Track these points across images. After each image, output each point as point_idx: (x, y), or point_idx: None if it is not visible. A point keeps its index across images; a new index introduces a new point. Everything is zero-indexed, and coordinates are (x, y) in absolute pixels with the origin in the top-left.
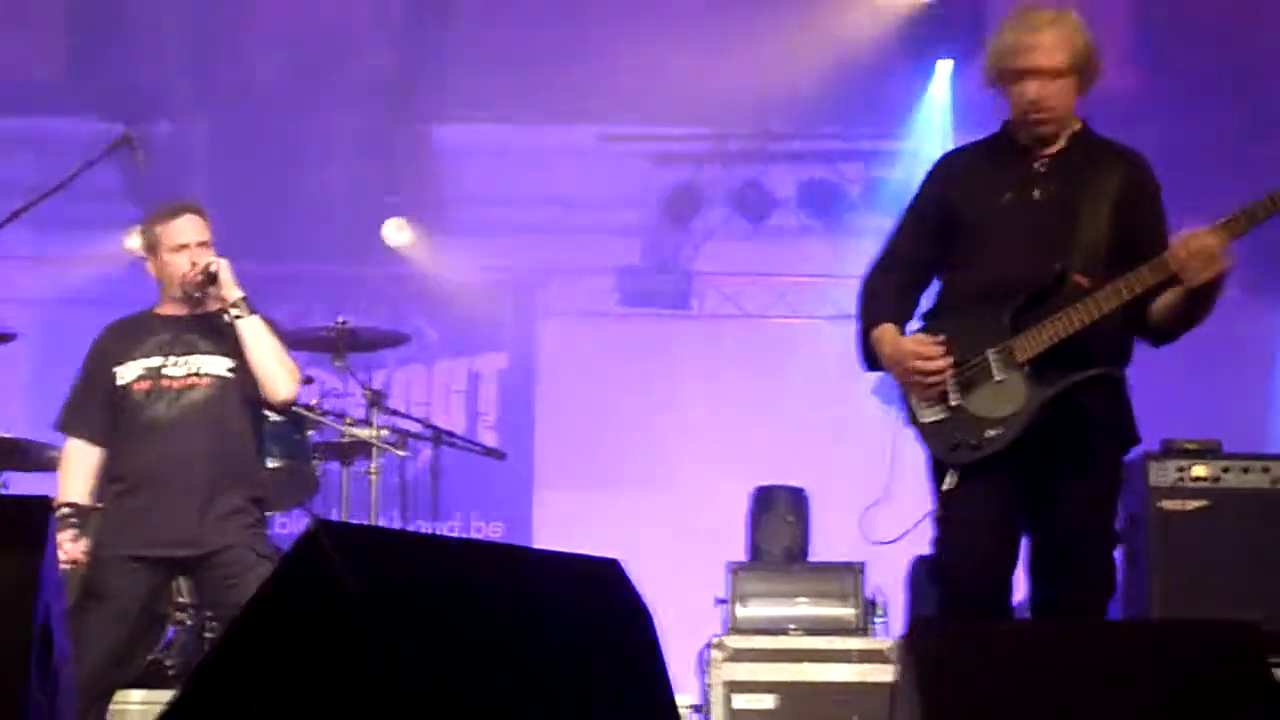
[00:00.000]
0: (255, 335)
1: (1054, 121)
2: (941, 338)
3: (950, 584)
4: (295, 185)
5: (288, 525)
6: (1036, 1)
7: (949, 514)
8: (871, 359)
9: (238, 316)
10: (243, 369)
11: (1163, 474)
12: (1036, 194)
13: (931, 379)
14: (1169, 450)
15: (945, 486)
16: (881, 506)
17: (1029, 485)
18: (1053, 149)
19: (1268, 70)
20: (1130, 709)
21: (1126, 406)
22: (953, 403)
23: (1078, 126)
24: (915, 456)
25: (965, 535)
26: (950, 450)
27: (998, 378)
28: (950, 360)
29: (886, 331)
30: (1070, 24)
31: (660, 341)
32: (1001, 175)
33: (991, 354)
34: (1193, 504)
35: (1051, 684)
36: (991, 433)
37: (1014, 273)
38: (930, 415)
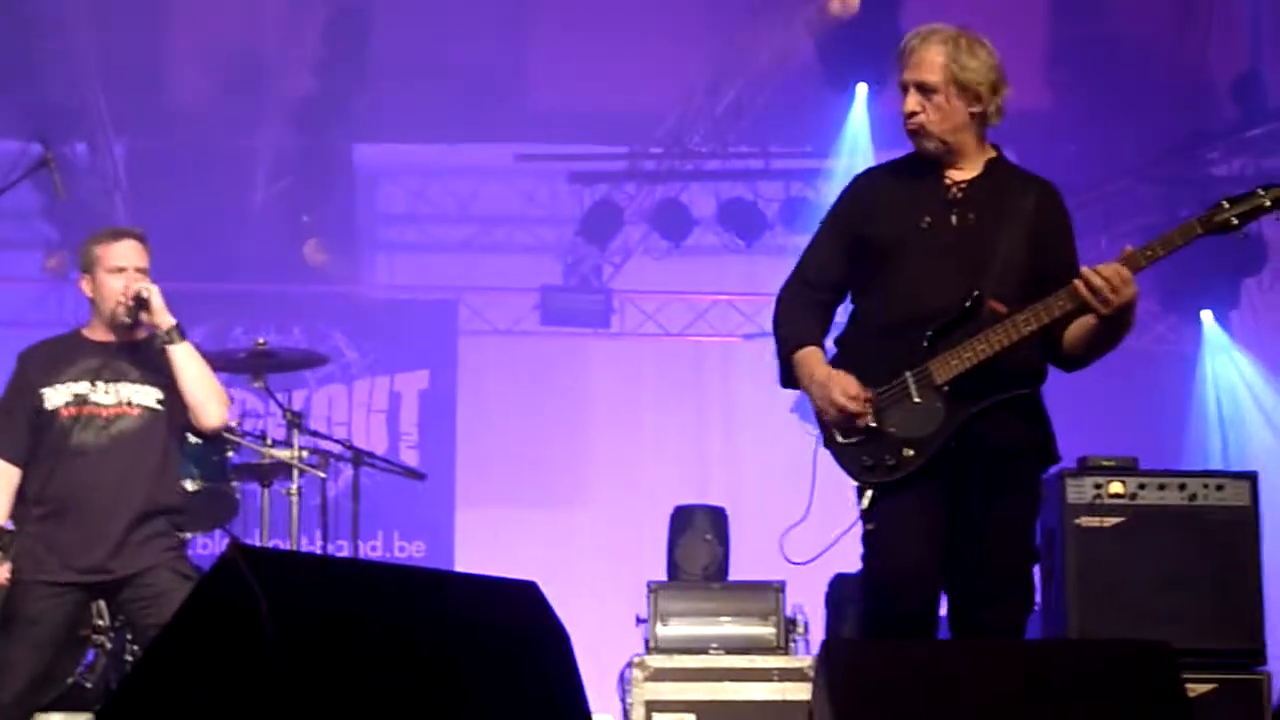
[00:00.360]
0: (187, 362)
1: (930, 137)
2: (870, 393)
3: (877, 599)
4: (213, 205)
5: (209, 546)
6: (937, 23)
7: (874, 530)
8: (788, 377)
9: (168, 343)
10: (171, 399)
11: (1080, 491)
12: (954, 219)
13: (849, 423)
14: (1085, 467)
15: (863, 505)
16: (802, 526)
17: (949, 503)
18: (967, 174)
19: (1184, 89)
20: None
21: (1046, 426)
22: (870, 424)
23: (992, 154)
24: (835, 475)
25: (891, 552)
26: (867, 470)
27: (916, 399)
28: (868, 409)
29: (811, 356)
30: (953, 43)
31: (581, 360)
32: (917, 200)
33: (910, 376)
34: (1110, 521)
35: (966, 703)
36: (909, 452)
37: (930, 298)
38: (848, 438)
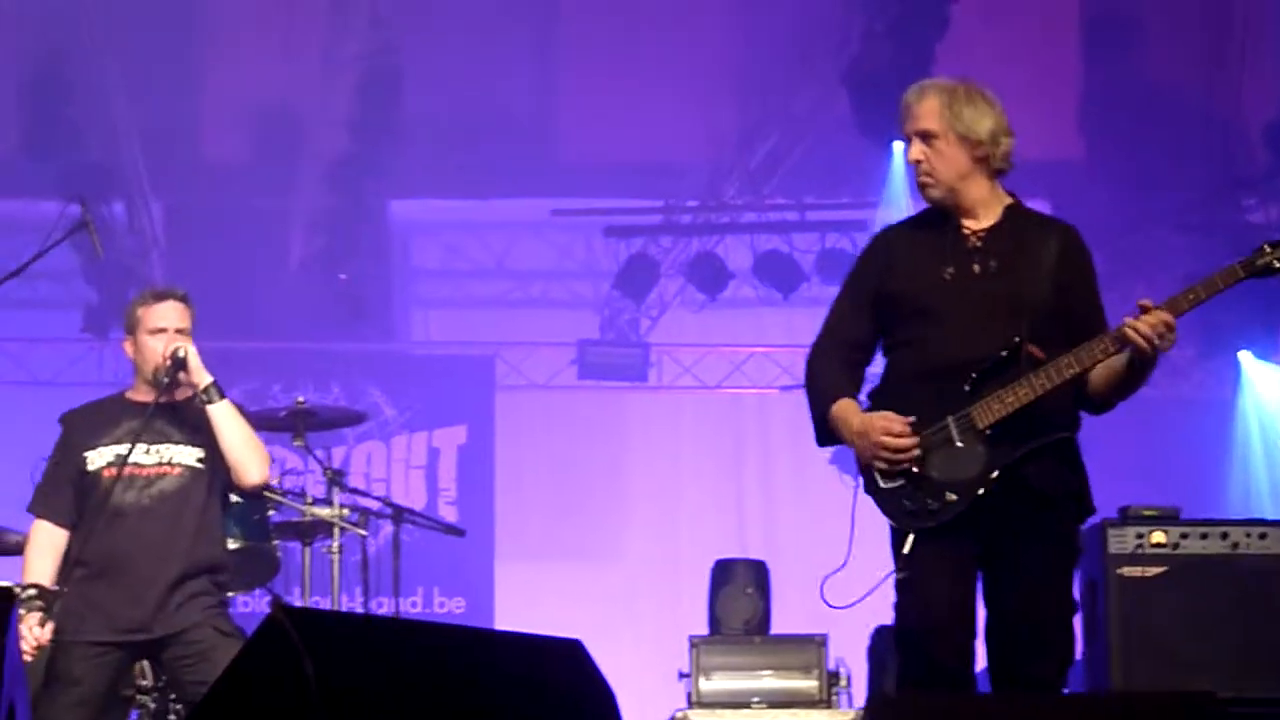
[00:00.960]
0: (226, 420)
1: (937, 185)
2: (911, 419)
3: (911, 648)
4: (251, 264)
5: (250, 605)
6: (936, 78)
7: (910, 578)
8: (824, 434)
9: (207, 402)
10: (212, 458)
11: (1121, 541)
12: (976, 268)
13: (898, 456)
14: (1127, 517)
15: (905, 550)
16: (842, 573)
17: (988, 552)
18: (985, 223)
19: (1217, 136)
20: None
21: (1082, 475)
22: (913, 470)
23: (1008, 201)
24: (874, 522)
25: (926, 600)
26: (909, 516)
27: (958, 443)
28: (915, 439)
29: (848, 406)
30: (949, 93)
31: (619, 413)
32: (938, 251)
33: (951, 420)
34: (1152, 570)
35: None
36: (952, 496)
37: (964, 346)
38: (890, 482)
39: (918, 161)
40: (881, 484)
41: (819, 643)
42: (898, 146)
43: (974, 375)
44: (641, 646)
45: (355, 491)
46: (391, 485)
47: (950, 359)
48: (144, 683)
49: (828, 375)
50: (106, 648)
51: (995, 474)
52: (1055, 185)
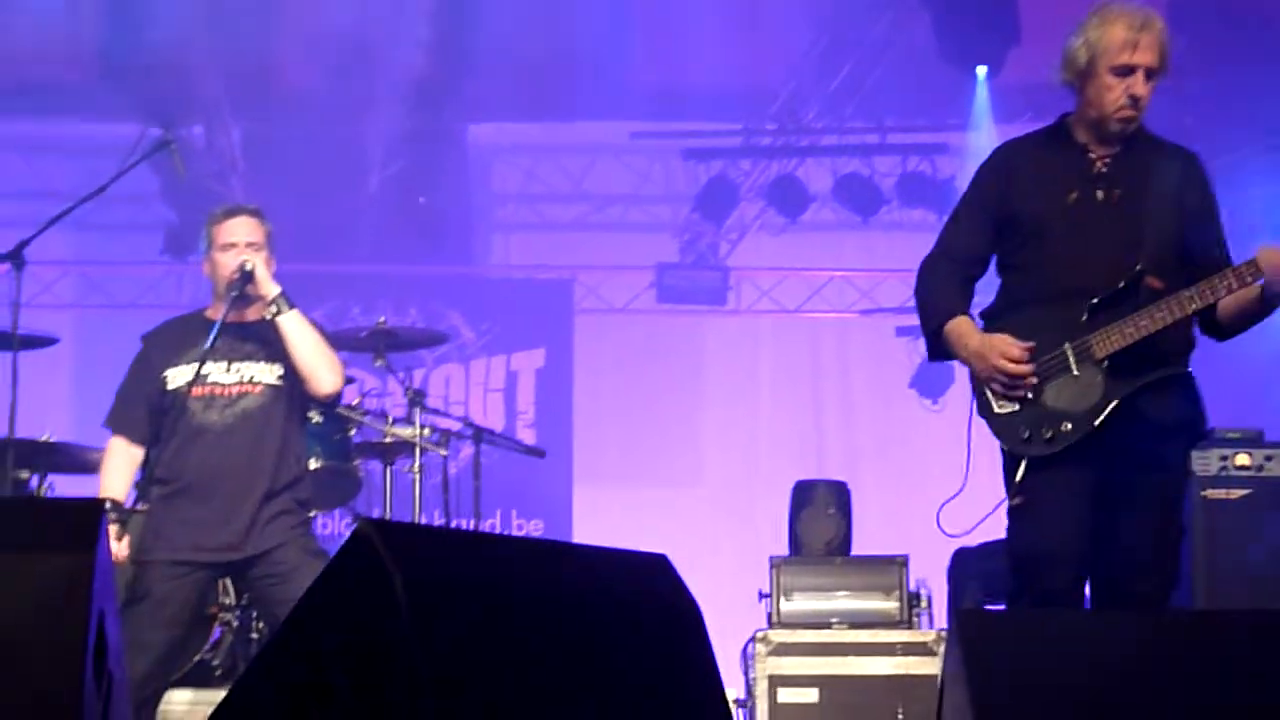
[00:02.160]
0: (296, 329)
1: (1138, 121)
2: (1030, 343)
3: (1025, 574)
4: (329, 187)
5: (329, 525)
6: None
7: (1024, 504)
8: (936, 349)
9: (277, 313)
10: (292, 376)
11: (1206, 463)
12: (1100, 194)
13: (1016, 380)
14: (1211, 439)
15: (1019, 477)
16: (946, 498)
17: (1103, 480)
18: (1113, 148)
19: None
20: (1181, 700)
21: (1199, 403)
22: (1028, 396)
23: (1136, 125)
24: (982, 448)
25: (1042, 527)
26: (1024, 442)
27: (1075, 372)
28: (1033, 365)
29: (964, 324)
30: (1163, 26)
31: (697, 337)
32: (1063, 174)
33: (1069, 348)
34: (1236, 493)
35: (1102, 675)
36: (1068, 426)
37: (1083, 273)
38: (1005, 407)
39: (1141, 97)
40: (996, 408)
41: (900, 564)
42: (981, 71)
43: (1093, 304)
44: (721, 568)
45: (435, 412)
46: (470, 408)
47: (1068, 285)
48: (227, 600)
49: (942, 290)
50: (191, 567)
51: (1112, 405)
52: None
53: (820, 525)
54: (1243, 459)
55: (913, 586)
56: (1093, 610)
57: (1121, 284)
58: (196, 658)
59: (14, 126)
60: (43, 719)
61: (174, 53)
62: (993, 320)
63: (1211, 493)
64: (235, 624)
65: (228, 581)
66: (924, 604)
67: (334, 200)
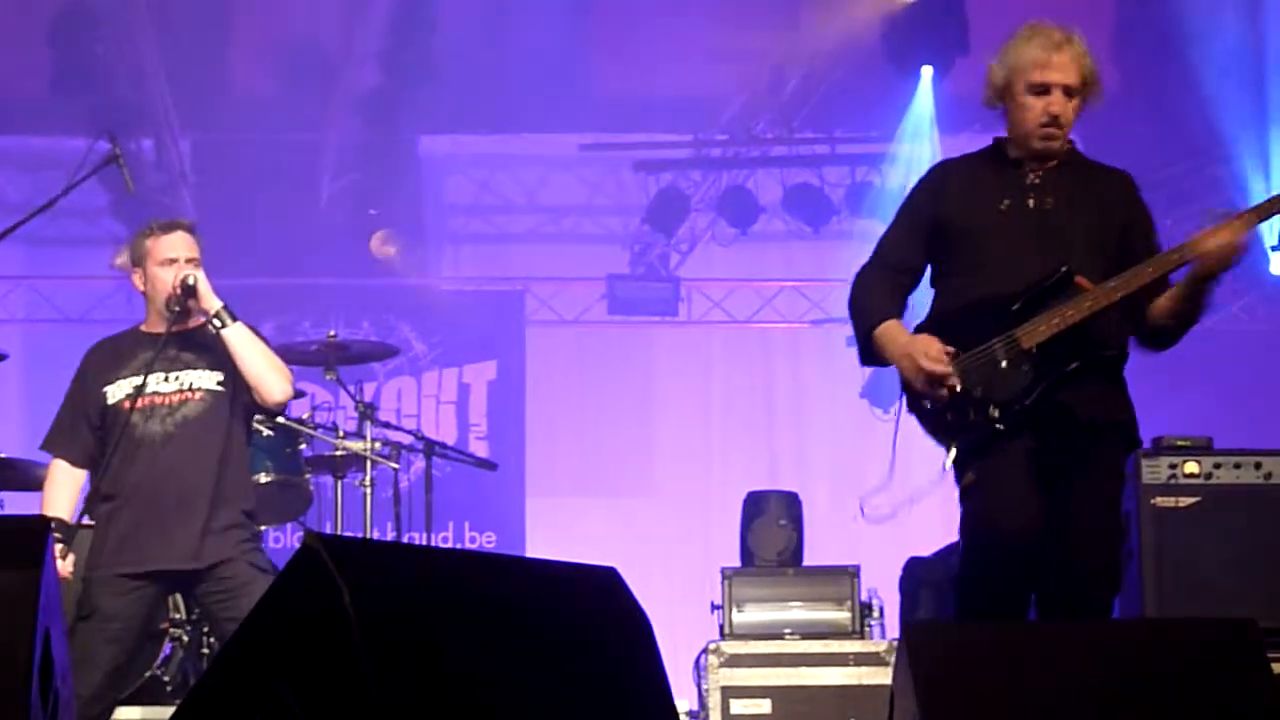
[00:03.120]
0: (241, 341)
1: (1062, 139)
2: (951, 350)
3: (979, 560)
4: (280, 199)
5: (281, 540)
6: (1043, 21)
7: (974, 488)
8: (868, 354)
9: (221, 326)
10: (233, 381)
11: (1155, 471)
12: (1031, 202)
13: (936, 377)
14: (1161, 447)
15: (947, 464)
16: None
17: (1042, 458)
18: (1047, 165)
19: (1253, 68)
20: (1129, 708)
21: (1129, 406)
22: (955, 388)
23: (1068, 145)
24: (908, 447)
25: (993, 514)
26: (950, 428)
27: (1002, 363)
28: (951, 367)
29: (894, 327)
30: (1083, 46)
31: (649, 348)
32: (995, 185)
33: (998, 341)
34: (1185, 501)
35: (1050, 684)
36: (994, 412)
37: (1014, 278)
38: (935, 404)
39: (1059, 115)
40: (925, 404)
41: (851, 574)
42: (925, 74)
43: (1022, 299)
44: (673, 579)
45: (387, 425)
46: (422, 421)
47: (999, 290)
48: (177, 616)
49: (873, 296)
50: (140, 580)
51: (1039, 392)
52: (1089, 118)
53: (772, 536)
54: (1191, 467)
55: (864, 597)
56: (1040, 621)
57: (1049, 281)
58: (147, 674)
59: None
60: None
61: (122, 65)
62: (926, 326)
63: (1160, 500)
64: (186, 640)
65: (178, 597)
66: (876, 614)
67: (285, 212)
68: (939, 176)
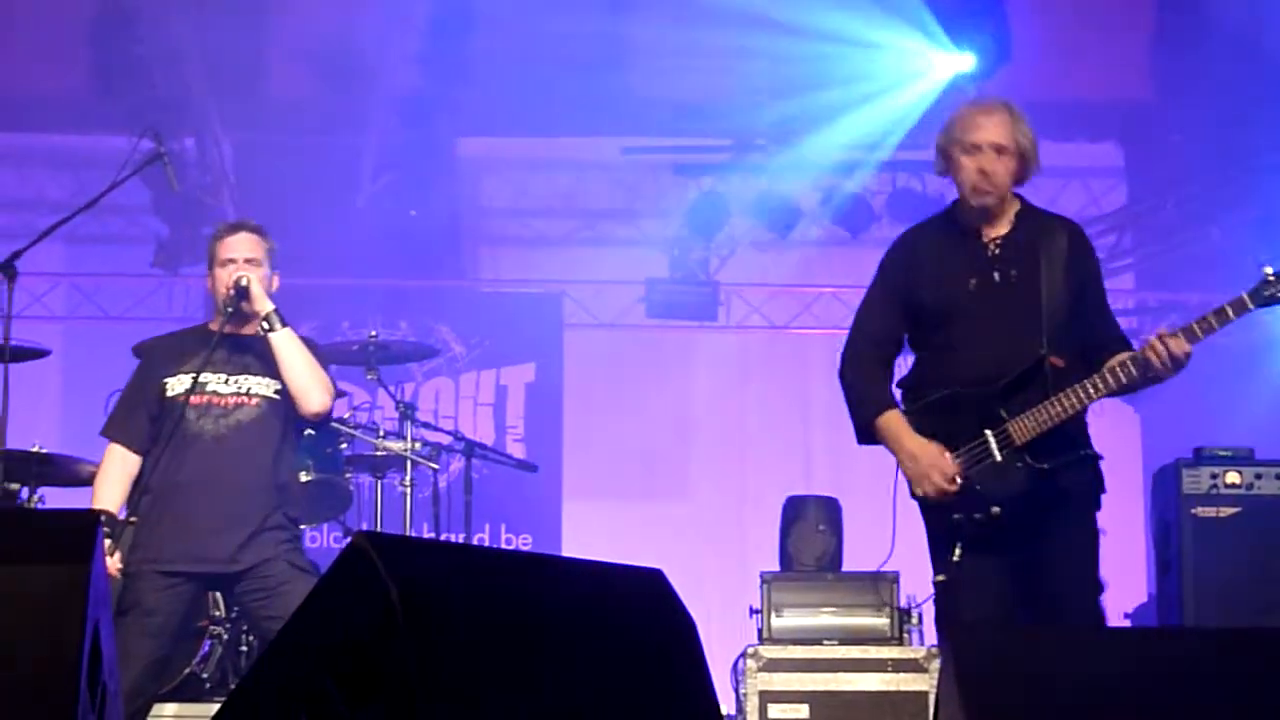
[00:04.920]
0: (287, 348)
1: (995, 196)
2: (959, 463)
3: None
4: (319, 200)
5: (318, 539)
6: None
7: (954, 581)
8: (865, 437)
9: (269, 330)
10: (288, 390)
11: (1196, 481)
12: (997, 276)
13: (946, 492)
14: (1201, 457)
15: (955, 557)
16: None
17: (1022, 555)
18: (1001, 230)
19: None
20: (1175, 716)
21: (1099, 476)
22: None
23: (1019, 206)
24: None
25: (970, 601)
26: (955, 525)
27: (998, 458)
28: (958, 481)
29: (895, 422)
30: (1014, 112)
31: (687, 352)
32: (960, 261)
33: (991, 436)
34: (1226, 510)
35: (1094, 691)
36: (996, 510)
37: (990, 355)
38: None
39: (987, 171)
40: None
41: (891, 580)
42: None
43: (1003, 387)
44: (710, 583)
45: (426, 426)
46: (460, 422)
47: (978, 365)
48: (217, 614)
49: (868, 381)
50: (180, 578)
51: (1033, 487)
52: (1130, 128)
53: (811, 541)
54: (1233, 477)
55: (903, 603)
56: (1086, 626)
57: (1027, 368)
58: (186, 670)
59: (6, 139)
60: None
61: (163, 65)
62: (910, 395)
63: (1201, 510)
64: (225, 637)
65: (217, 595)
66: (915, 620)
67: (324, 213)
68: (908, 251)
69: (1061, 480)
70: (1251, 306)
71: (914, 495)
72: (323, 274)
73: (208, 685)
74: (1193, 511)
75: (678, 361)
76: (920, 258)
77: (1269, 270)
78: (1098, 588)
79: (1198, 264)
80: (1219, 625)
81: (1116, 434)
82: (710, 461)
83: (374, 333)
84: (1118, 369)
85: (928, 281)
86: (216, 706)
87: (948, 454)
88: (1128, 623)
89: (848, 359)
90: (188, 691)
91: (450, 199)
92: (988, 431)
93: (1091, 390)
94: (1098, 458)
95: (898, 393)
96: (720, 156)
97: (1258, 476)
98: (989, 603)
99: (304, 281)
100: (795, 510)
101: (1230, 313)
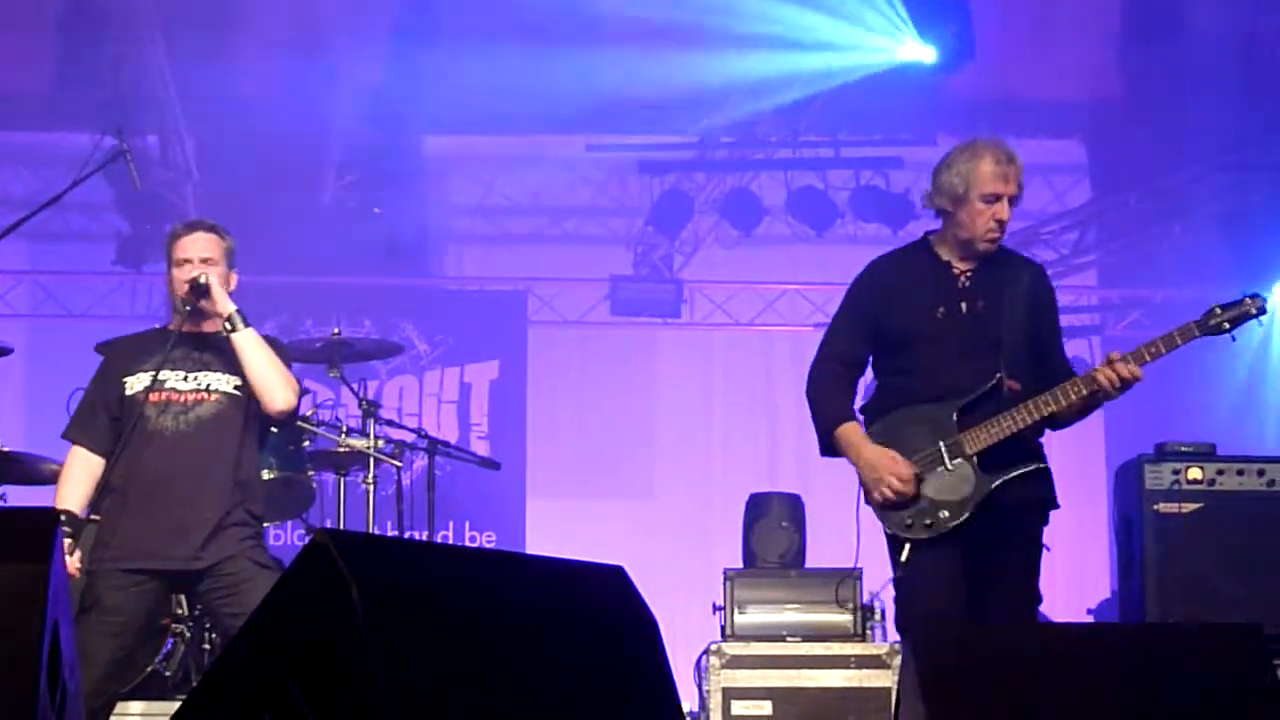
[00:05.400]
0: (249, 348)
1: (999, 240)
2: (914, 464)
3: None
4: (284, 197)
5: (281, 537)
6: (992, 138)
7: (908, 580)
8: (827, 448)
9: (231, 330)
10: (249, 387)
11: (1158, 477)
12: (964, 307)
13: (901, 495)
14: (1163, 453)
15: (903, 559)
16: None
17: (974, 558)
18: (971, 263)
19: (1259, 75)
20: (1135, 711)
21: (1052, 486)
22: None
23: None
24: None
25: (924, 601)
26: (906, 528)
27: (949, 466)
28: (914, 484)
29: (854, 432)
30: (1021, 161)
31: (651, 349)
32: (931, 290)
33: (943, 445)
34: (1188, 506)
35: (1055, 686)
36: (944, 514)
37: (950, 377)
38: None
39: (1005, 221)
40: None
41: (854, 576)
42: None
43: (961, 406)
44: (674, 580)
45: (390, 423)
46: (423, 420)
47: (939, 388)
48: (179, 611)
49: (831, 394)
50: (143, 576)
51: (981, 496)
52: (1093, 125)
53: (774, 538)
54: (1195, 473)
55: (866, 599)
56: (1047, 623)
57: (985, 389)
58: (149, 668)
59: None
60: None
61: (127, 62)
62: (872, 417)
63: (1163, 506)
64: (188, 635)
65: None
66: (877, 617)
67: (289, 210)
68: (876, 279)
69: (1010, 492)
70: (1198, 334)
71: (869, 502)
72: (286, 271)
73: (170, 683)
74: (1155, 508)
75: (642, 359)
76: (890, 286)
77: (1218, 305)
78: (1035, 601)
79: (1160, 261)
80: (1180, 621)
81: (1080, 430)
82: (674, 459)
83: (337, 330)
84: (1068, 387)
85: (896, 309)
86: (179, 705)
87: (899, 457)
88: (1090, 619)
89: (814, 379)
90: (151, 690)
91: (415, 196)
92: (940, 441)
93: (1042, 405)
94: (1048, 471)
95: (860, 418)
96: (684, 154)
97: (1219, 472)
98: (942, 601)
99: (267, 279)
100: (758, 507)
101: (1178, 339)
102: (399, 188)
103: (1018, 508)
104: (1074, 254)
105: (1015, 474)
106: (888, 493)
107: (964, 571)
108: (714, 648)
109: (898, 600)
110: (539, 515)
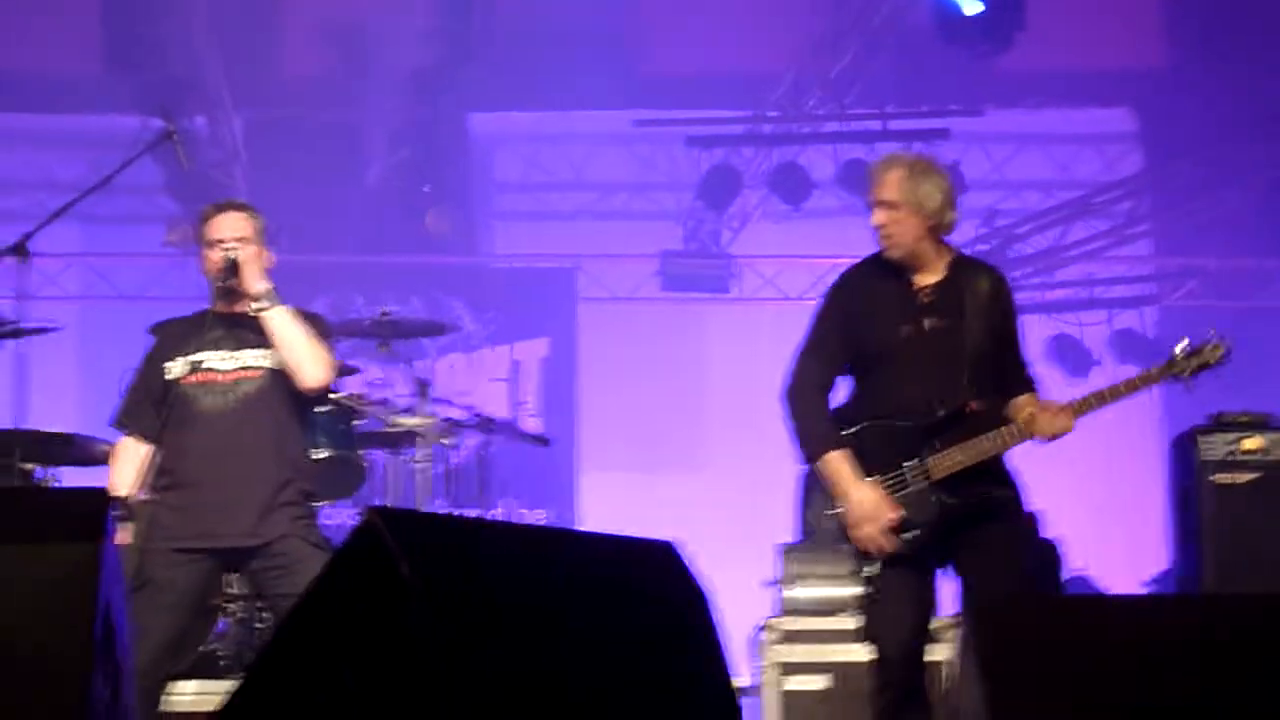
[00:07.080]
0: (280, 325)
1: (896, 247)
2: (900, 513)
3: (879, 651)
4: (331, 177)
5: (333, 516)
6: (898, 153)
7: (875, 594)
8: (808, 459)
9: (261, 309)
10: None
11: (1212, 448)
12: (927, 324)
13: (880, 540)
14: (1219, 424)
15: (869, 573)
16: None
17: (942, 559)
18: (932, 278)
19: None
20: (1198, 684)
21: (1018, 497)
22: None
23: (949, 256)
24: None
25: (891, 612)
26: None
27: (914, 489)
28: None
29: (839, 464)
30: (908, 168)
31: (701, 325)
32: (894, 309)
33: (909, 468)
34: (1244, 476)
35: (1117, 658)
36: (908, 535)
37: (918, 395)
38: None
39: (878, 225)
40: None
41: None
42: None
43: (926, 427)
44: (727, 555)
45: (441, 401)
46: (473, 398)
47: (904, 404)
48: (232, 591)
49: (813, 419)
50: (196, 554)
51: (946, 517)
52: (1144, 93)
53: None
54: (1250, 443)
55: None
56: (1105, 596)
57: (951, 410)
58: (202, 649)
59: (18, 119)
60: (51, 709)
61: (176, 44)
62: (843, 424)
63: (1220, 477)
64: (240, 615)
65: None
66: None
67: (337, 189)
68: (846, 294)
69: (974, 511)
70: (1158, 379)
71: (849, 536)
72: (336, 250)
73: (223, 663)
74: (1211, 478)
75: (692, 334)
76: (858, 302)
77: (1178, 349)
78: (1023, 551)
79: (1216, 228)
80: (1239, 592)
81: (1136, 402)
82: (725, 433)
83: (387, 309)
84: (1024, 425)
85: (864, 326)
86: (232, 684)
87: (887, 500)
88: (1146, 591)
89: (793, 388)
90: (204, 670)
91: (462, 174)
92: (905, 465)
93: (1008, 438)
94: (1014, 499)
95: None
96: (732, 128)
97: (1275, 442)
98: (909, 613)
99: (317, 257)
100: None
101: (1139, 383)
102: (446, 165)
103: (981, 511)
104: (1128, 223)
105: (979, 498)
106: (870, 546)
107: (931, 576)
108: (768, 623)
109: (865, 613)
110: (591, 491)
